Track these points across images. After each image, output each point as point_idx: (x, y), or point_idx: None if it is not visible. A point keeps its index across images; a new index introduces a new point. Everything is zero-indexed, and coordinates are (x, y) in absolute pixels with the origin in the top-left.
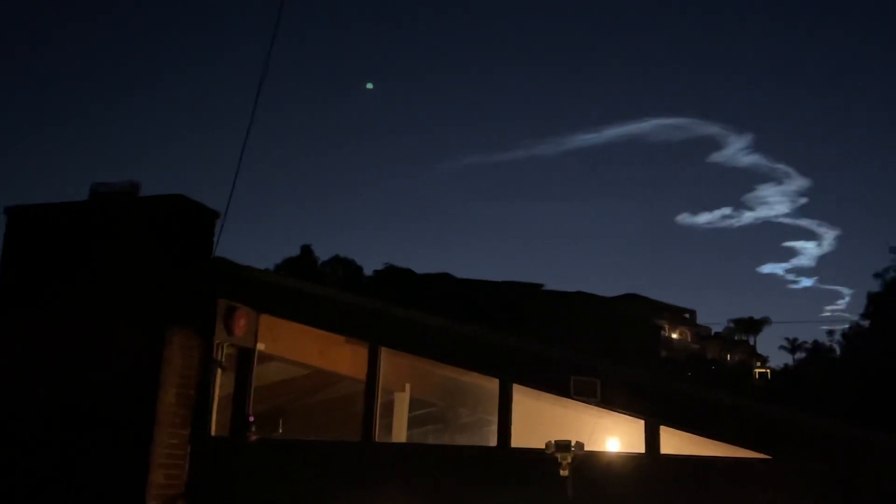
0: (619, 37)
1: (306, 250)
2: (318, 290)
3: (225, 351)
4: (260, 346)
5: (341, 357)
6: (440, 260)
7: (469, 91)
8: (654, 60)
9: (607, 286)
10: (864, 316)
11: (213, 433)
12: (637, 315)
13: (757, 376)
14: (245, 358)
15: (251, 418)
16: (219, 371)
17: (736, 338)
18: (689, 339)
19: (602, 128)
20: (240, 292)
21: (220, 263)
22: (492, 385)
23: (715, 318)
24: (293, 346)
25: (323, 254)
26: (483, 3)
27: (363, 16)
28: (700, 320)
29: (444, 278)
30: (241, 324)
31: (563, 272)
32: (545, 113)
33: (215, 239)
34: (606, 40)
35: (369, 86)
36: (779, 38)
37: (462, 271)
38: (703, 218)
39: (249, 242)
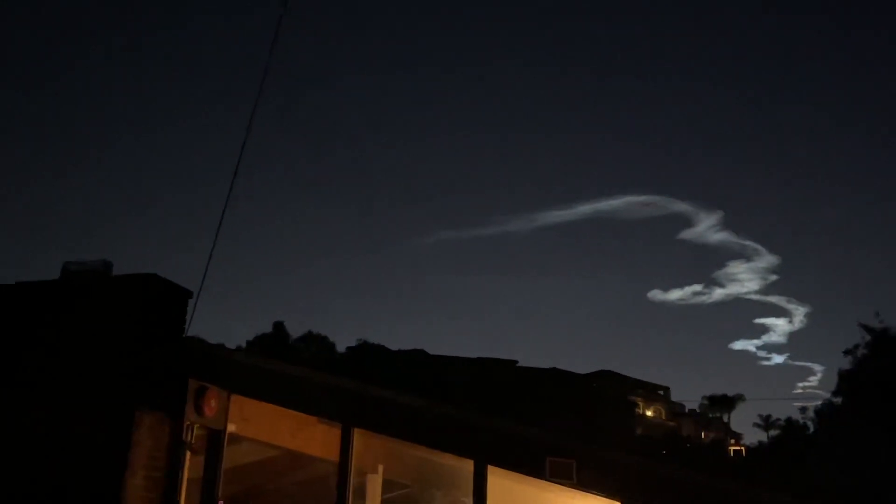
0: (591, 114)
1: (278, 327)
2: (290, 370)
3: (195, 432)
4: (230, 428)
5: (313, 438)
6: (413, 335)
7: (442, 166)
8: (625, 138)
9: (581, 363)
10: (835, 393)
11: None
12: (611, 392)
13: (732, 454)
14: (215, 439)
15: (220, 503)
16: (188, 453)
17: (710, 415)
18: (664, 417)
19: (574, 204)
20: (211, 372)
21: (192, 343)
22: (467, 466)
23: (689, 394)
24: (264, 427)
25: (295, 330)
26: (457, 77)
27: (342, 83)
28: (674, 397)
29: (418, 354)
30: (211, 404)
31: (536, 348)
32: (518, 189)
33: (188, 318)
34: (578, 117)
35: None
36: (747, 114)
37: (435, 347)
38: (675, 294)
39: (220, 319)
